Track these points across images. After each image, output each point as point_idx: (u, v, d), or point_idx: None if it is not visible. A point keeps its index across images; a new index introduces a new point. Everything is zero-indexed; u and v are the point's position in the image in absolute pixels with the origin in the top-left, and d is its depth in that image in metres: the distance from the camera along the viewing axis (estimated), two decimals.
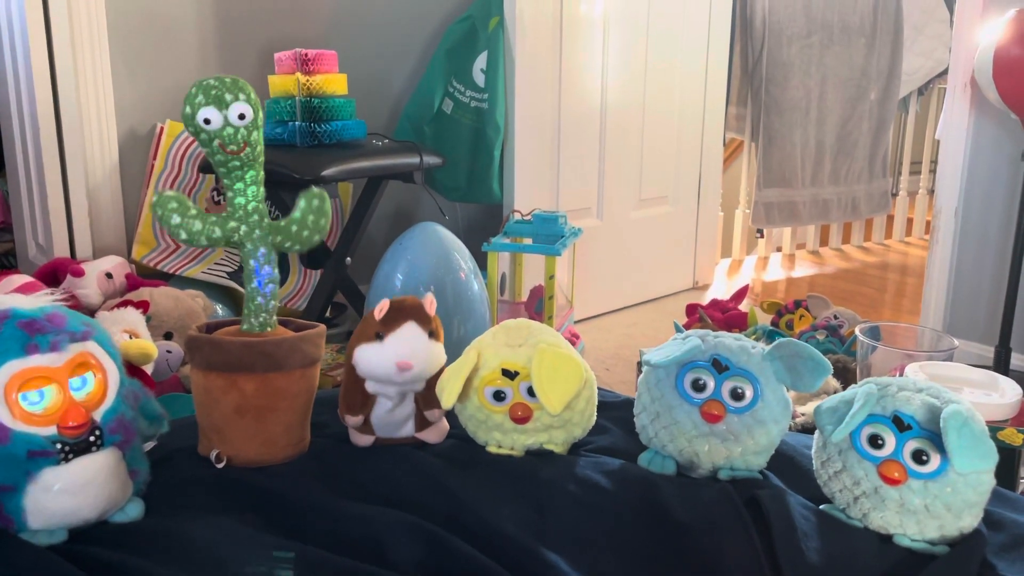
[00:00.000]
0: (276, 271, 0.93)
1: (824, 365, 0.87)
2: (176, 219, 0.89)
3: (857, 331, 1.53)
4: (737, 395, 0.89)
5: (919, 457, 0.80)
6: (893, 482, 0.81)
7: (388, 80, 2.32)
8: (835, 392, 1.49)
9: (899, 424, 0.81)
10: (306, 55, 1.83)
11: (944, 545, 0.82)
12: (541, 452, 0.95)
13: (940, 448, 0.79)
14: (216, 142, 0.88)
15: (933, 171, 3.60)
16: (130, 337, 1.42)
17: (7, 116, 2.05)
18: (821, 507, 0.87)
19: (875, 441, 0.82)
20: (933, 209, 2.05)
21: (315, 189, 0.92)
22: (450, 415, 0.99)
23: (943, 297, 2.03)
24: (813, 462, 0.90)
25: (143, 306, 1.53)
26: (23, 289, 1.53)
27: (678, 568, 0.80)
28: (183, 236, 0.89)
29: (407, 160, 1.92)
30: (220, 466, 0.89)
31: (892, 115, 3.32)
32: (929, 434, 0.80)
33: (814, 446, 0.90)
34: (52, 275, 1.73)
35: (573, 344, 1.87)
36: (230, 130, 0.88)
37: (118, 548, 0.74)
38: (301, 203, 0.92)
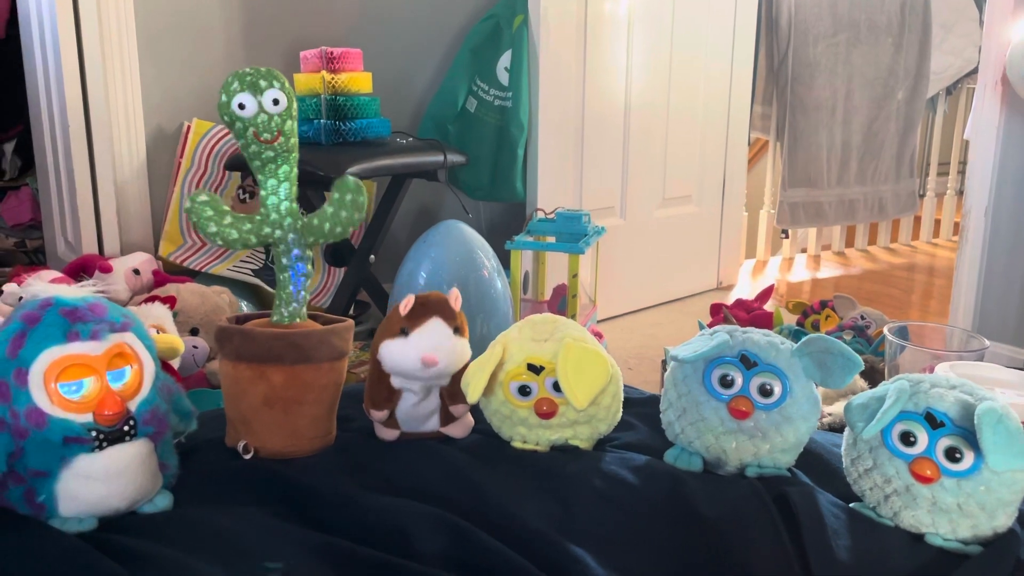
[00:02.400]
0: (310, 267, 0.93)
1: (855, 361, 0.86)
2: (213, 228, 0.89)
3: (886, 331, 1.51)
4: (765, 391, 0.88)
5: (952, 455, 0.79)
6: (925, 480, 0.79)
7: (412, 78, 2.32)
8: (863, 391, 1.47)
9: (932, 421, 0.80)
10: (331, 53, 1.84)
11: (977, 545, 0.81)
12: (566, 448, 0.95)
13: (974, 446, 0.78)
14: (250, 131, 0.88)
15: (961, 172, 3.56)
16: (157, 332, 1.43)
17: (37, 115, 2.07)
18: (851, 505, 0.86)
19: (907, 438, 0.81)
20: (962, 209, 2.02)
21: (350, 180, 0.91)
22: (475, 410, 0.99)
23: (972, 298, 2.00)
24: (843, 459, 0.89)
25: (170, 302, 1.54)
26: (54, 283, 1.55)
27: (705, 565, 0.79)
28: (219, 242, 0.89)
29: (431, 158, 1.92)
30: (247, 457, 0.90)
31: (920, 115, 3.28)
32: (963, 431, 0.79)
33: (844, 443, 0.89)
34: (80, 271, 1.75)
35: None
36: (263, 117, 0.88)
37: (146, 537, 0.75)
38: (334, 196, 0.92)
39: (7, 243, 2.47)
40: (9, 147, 2.62)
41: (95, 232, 1.96)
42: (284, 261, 0.92)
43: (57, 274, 1.66)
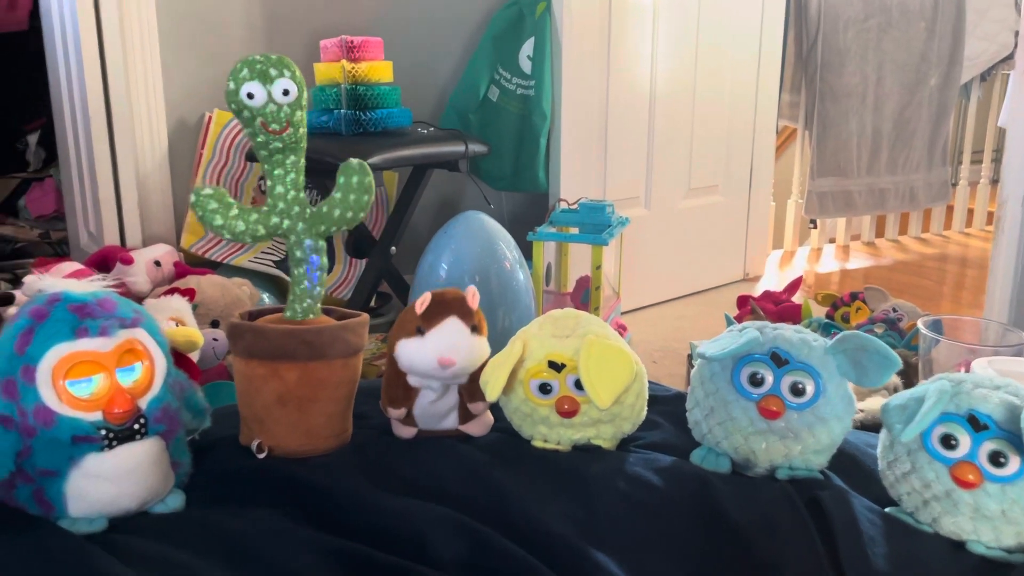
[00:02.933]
0: (324, 259, 0.91)
1: (892, 359, 0.82)
2: (219, 220, 0.87)
3: (919, 324, 1.46)
4: (797, 390, 0.85)
5: (996, 459, 0.75)
6: (967, 485, 0.76)
7: (434, 67, 2.29)
8: (895, 388, 1.43)
9: (975, 424, 0.76)
10: (352, 42, 1.81)
11: (1022, 553, 0.77)
12: (589, 447, 0.92)
13: (1019, 450, 0.74)
14: (259, 120, 0.86)
15: (995, 160, 3.47)
16: (177, 325, 1.42)
17: (59, 108, 2.07)
18: (887, 510, 0.82)
19: (948, 441, 0.77)
20: (997, 199, 1.96)
21: (354, 162, 0.89)
22: (494, 407, 0.96)
23: (1008, 290, 1.94)
24: (879, 462, 0.85)
25: (189, 294, 1.53)
26: (73, 276, 1.55)
27: (733, 572, 0.76)
28: (227, 235, 0.87)
29: (452, 148, 1.90)
30: (261, 457, 0.88)
31: (953, 102, 3.20)
32: (1007, 434, 0.75)
33: (880, 445, 0.85)
34: (102, 263, 1.75)
35: (620, 336, 1.83)
36: (273, 107, 0.86)
37: (157, 539, 0.73)
38: (340, 180, 0.89)
39: (31, 234, 2.48)
40: (33, 139, 2.63)
41: (117, 224, 1.95)
42: (298, 254, 0.89)
43: (78, 266, 1.65)
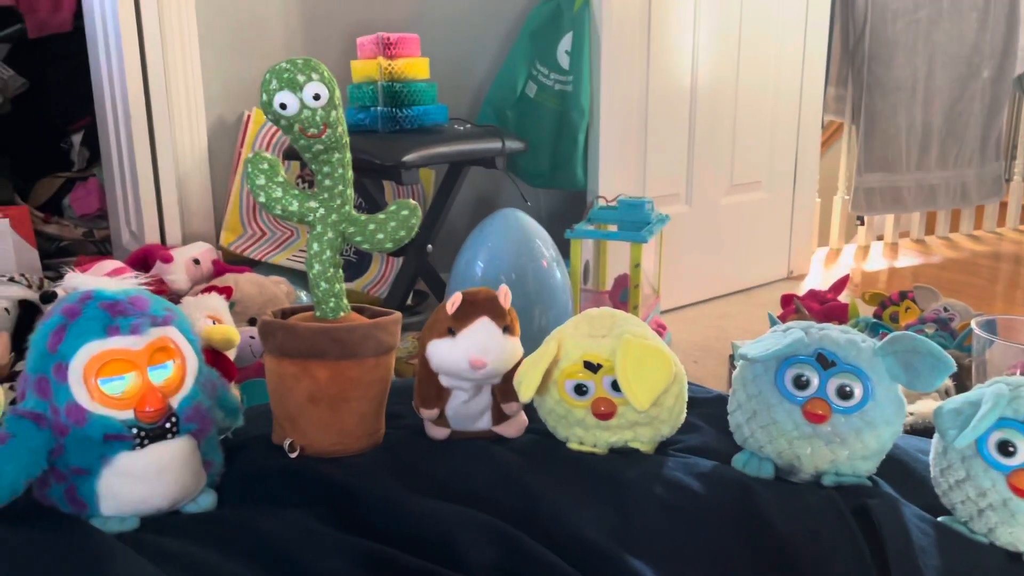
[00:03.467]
0: (338, 258, 0.90)
1: (946, 362, 0.78)
2: (262, 180, 0.86)
3: (973, 324, 1.41)
4: (844, 393, 0.81)
5: None
6: None
7: (470, 63, 2.28)
8: (947, 392, 1.38)
9: None
10: (388, 39, 1.80)
11: None
12: (626, 451, 0.89)
13: None
14: (296, 127, 0.85)
15: None
16: (214, 323, 1.42)
17: (102, 108, 2.10)
18: (940, 519, 0.78)
19: (1005, 448, 0.73)
20: None
21: (411, 202, 0.90)
22: (529, 408, 0.94)
23: None
24: (931, 469, 0.81)
25: (227, 292, 1.53)
26: (113, 274, 1.56)
27: None
28: (261, 199, 0.87)
29: (489, 145, 1.88)
30: (293, 456, 0.87)
31: (1006, 95, 3.09)
32: None
33: (932, 451, 0.81)
34: (143, 261, 1.76)
35: (659, 335, 1.80)
36: (307, 112, 0.85)
37: (188, 539, 0.72)
38: (391, 208, 0.89)
39: (76, 232, 2.52)
40: (77, 138, 2.67)
41: (157, 222, 1.97)
42: (315, 247, 0.88)
43: (117, 264, 1.67)
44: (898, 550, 0.72)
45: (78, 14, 2.34)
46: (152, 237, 1.96)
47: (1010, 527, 0.74)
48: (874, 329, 1.70)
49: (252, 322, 1.59)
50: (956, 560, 0.73)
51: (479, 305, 0.88)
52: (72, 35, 2.47)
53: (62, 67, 2.57)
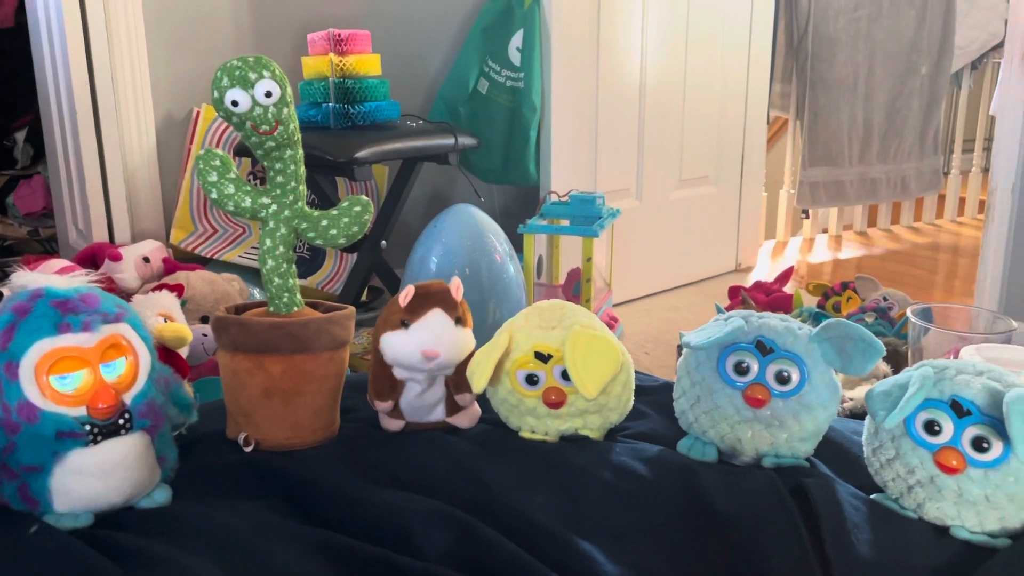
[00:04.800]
0: (291, 253, 0.91)
1: (876, 347, 0.82)
2: (214, 176, 0.87)
3: (909, 312, 1.47)
4: (782, 379, 0.85)
5: (979, 444, 0.75)
6: (951, 471, 0.76)
7: (423, 60, 2.29)
8: (885, 376, 1.43)
9: (958, 409, 0.76)
10: (339, 35, 1.80)
11: (1005, 538, 0.77)
12: (576, 438, 0.92)
13: (1002, 435, 0.74)
14: (248, 124, 0.86)
15: (987, 149, 3.47)
16: (165, 321, 1.41)
17: (46, 103, 2.06)
18: (872, 497, 0.82)
19: (931, 427, 0.77)
20: (988, 187, 1.96)
21: (363, 198, 0.91)
22: (482, 399, 0.96)
23: (999, 278, 1.94)
24: (864, 449, 0.85)
25: (178, 289, 1.52)
26: (62, 273, 1.54)
27: (719, 560, 0.76)
28: (213, 195, 0.87)
29: (442, 141, 1.89)
30: (248, 450, 0.88)
31: (944, 91, 3.19)
32: (990, 420, 0.75)
33: (865, 432, 0.85)
34: (91, 260, 1.74)
35: (611, 327, 1.83)
36: (259, 110, 0.86)
37: (143, 534, 0.73)
38: (344, 204, 0.91)
39: (21, 232, 2.47)
40: (20, 136, 2.62)
41: (105, 220, 1.95)
42: (267, 243, 0.89)
43: (65, 263, 1.65)
44: (832, 526, 0.76)
45: (19, 10, 2.30)
46: (100, 235, 1.94)
47: (937, 503, 0.78)
48: (817, 319, 1.75)
49: (204, 320, 1.58)
50: (886, 534, 0.77)
51: (431, 297, 0.89)
52: (15, 31, 2.42)
53: (4, 64, 2.52)
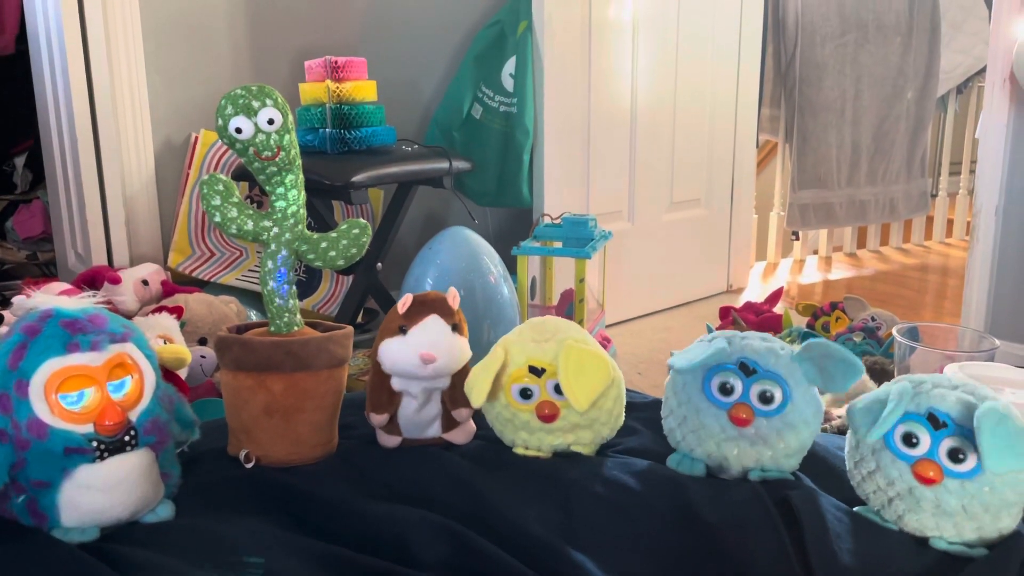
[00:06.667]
0: (292, 273, 0.94)
1: (856, 366, 0.85)
2: (217, 200, 0.90)
3: (895, 332, 1.50)
4: (766, 398, 0.88)
5: (955, 456, 0.78)
6: (928, 482, 0.79)
7: (417, 86, 2.33)
8: None
9: (934, 422, 0.79)
10: (336, 62, 1.84)
11: (982, 547, 0.80)
12: (568, 453, 0.95)
13: (977, 446, 0.77)
14: (251, 150, 0.89)
15: (974, 171, 3.52)
16: (164, 342, 1.44)
17: (47, 130, 2.09)
18: (855, 509, 0.85)
19: (909, 440, 0.80)
20: (973, 208, 2.00)
21: (362, 221, 0.95)
22: (477, 415, 0.99)
23: (984, 298, 1.98)
24: (846, 463, 0.88)
25: (177, 312, 1.55)
26: (64, 296, 1.56)
27: (707, 570, 0.79)
28: (217, 218, 0.90)
29: (436, 165, 1.93)
30: (249, 466, 0.90)
31: (930, 114, 3.25)
32: (965, 432, 0.78)
33: (847, 446, 0.88)
34: (90, 283, 1.76)
35: (604, 347, 1.85)
36: (262, 136, 0.89)
37: (148, 547, 0.75)
38: (342, 226, 0.94)
39: (19, 256, 2.50)
40: (20, 161, 2.65)
41: (104, 244, 1.97)
42: (269, 265, 0.92)
43: (65, 286, 1.67)
44: (815, 536, 0.78)
45: (21, 38, 2.34)
46: (99, 259, 1.96)
47: (916, 514, 0.81)
48: (806, 338, 1.78)
49: (202, 342, 1.61)
50: (868, 545, 0.79)
51: (429, 304, 0.93)
52: (15, 58, 2.46)
53: (4, 90, 2.55)
